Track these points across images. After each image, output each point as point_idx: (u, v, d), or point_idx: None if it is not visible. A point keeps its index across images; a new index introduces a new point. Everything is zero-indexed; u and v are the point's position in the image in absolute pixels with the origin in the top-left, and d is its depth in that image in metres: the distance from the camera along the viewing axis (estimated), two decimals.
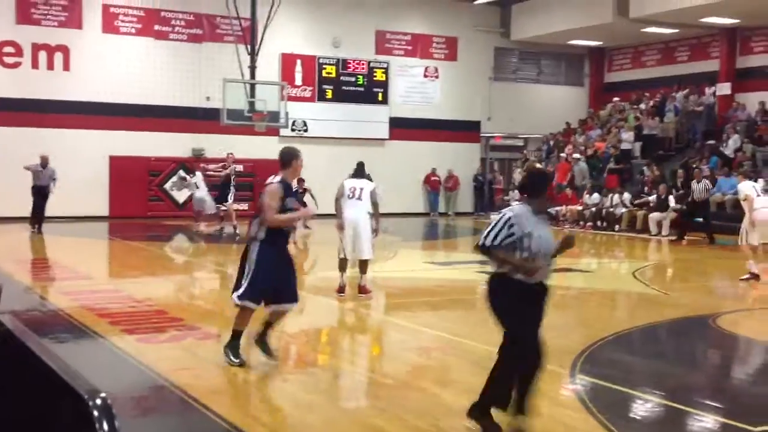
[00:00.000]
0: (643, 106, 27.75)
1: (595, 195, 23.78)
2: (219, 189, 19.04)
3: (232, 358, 6.86)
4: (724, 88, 25.86)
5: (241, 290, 6.76)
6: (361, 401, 6.15)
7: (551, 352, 7.85)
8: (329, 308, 10.49)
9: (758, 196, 12.52)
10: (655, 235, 20.66)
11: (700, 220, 19.65)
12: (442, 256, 17.90)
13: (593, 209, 23.30)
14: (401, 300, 11.29)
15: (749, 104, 24.97)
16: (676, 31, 26.35)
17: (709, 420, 5.85)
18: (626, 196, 22.92)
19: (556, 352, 7.77)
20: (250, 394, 6.54)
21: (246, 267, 6.76)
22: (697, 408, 6.12)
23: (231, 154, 19.47)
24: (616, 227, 22.29)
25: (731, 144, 23.40)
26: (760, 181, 16.52)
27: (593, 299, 11.72)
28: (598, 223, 22.96)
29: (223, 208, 18.88)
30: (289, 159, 6.90)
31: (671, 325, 9.72)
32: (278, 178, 6.83)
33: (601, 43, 29.59)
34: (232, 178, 18.89)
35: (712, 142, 23.90)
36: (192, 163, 25.08)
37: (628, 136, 26.34)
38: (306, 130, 26.52)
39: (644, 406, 6.25)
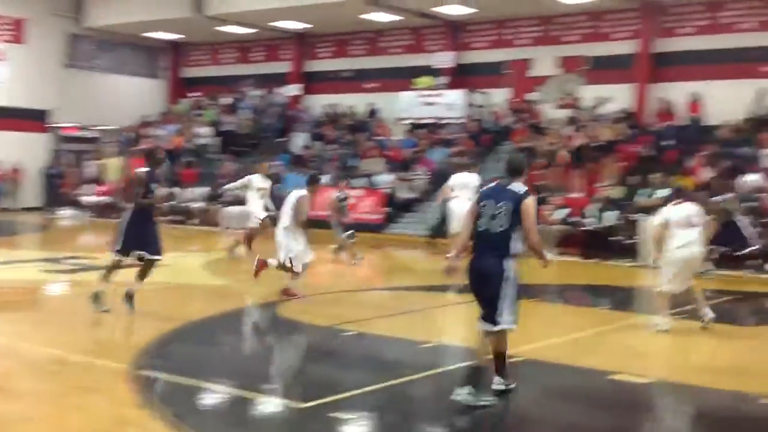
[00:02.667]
0: (220, 102, 28.37)
1: (175, 188, 23.69)
2: None
3: (509, 383, 6.32)
4: (294, 89, 27.53)
5: (513, 314, 6.10)
6: None
7: (114, 348, 7.71)
8: None
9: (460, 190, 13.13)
10: (228, 229, 21.28)
11: None
12: (1, 254, 16.40)
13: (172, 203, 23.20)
14: None
15: (316, 105, 26.89)
16: (253, 31, 27.34)
17: (270, 402, 6.17)
18: (202, 190, 23.25)
19: (118, 348, 7.63)
20: None
21: (507, 290, 6.03)
22: (258, 392, 6.40)
23: None
24: (193, 221, 22.46)
25: (298, 142, 24.98)
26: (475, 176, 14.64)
27: (163, 293, 11.61)
28: (173, 216, 22.91)
29: None
30: (524, 166, 6.40)
31: (237, 315, 10.17)
32: (523, 187, 6.14)
33: (182, 37, 29.57)
34: None
35: (283, 139, 25.26)
36: None
37: (204, 131, 26.73)
38: None
39: (210, 395, 6.36)
